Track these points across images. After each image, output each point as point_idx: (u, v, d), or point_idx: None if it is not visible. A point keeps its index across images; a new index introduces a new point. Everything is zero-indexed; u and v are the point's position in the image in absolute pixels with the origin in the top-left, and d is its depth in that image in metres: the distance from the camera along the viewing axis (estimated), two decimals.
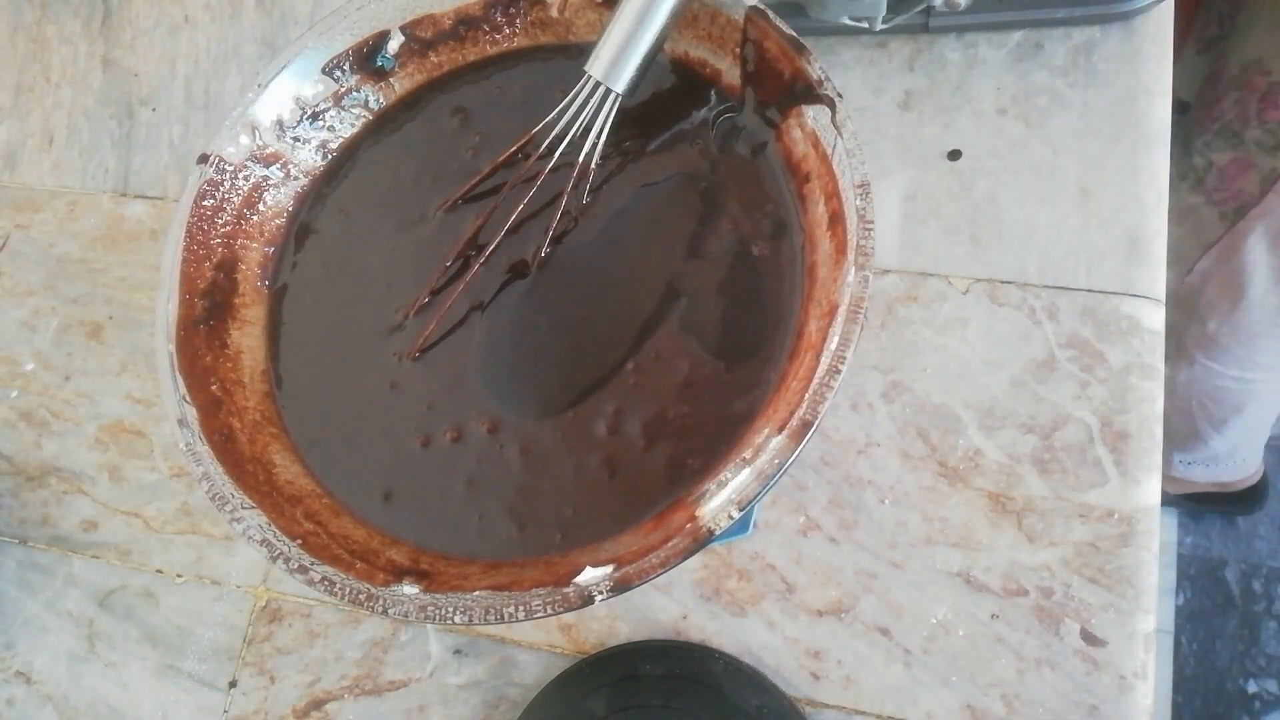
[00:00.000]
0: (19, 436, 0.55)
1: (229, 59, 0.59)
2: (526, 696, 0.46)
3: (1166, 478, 1.08)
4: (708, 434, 0.35)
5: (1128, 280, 0.47)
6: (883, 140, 0.51)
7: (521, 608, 0.32)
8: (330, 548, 0.36)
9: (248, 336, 0.41)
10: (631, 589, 0.31)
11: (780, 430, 0.31)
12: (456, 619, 0.32)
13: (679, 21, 0.37)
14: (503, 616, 0.32)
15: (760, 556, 0.46)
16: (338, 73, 0.43)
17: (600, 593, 0.31)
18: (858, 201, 0.33)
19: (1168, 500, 1.15)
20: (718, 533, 0.30)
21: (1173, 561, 1.18)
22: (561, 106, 0.38)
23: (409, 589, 0.34)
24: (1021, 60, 0.51)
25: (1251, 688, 1.12)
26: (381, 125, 0.44)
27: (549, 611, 0.32)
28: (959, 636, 0.44)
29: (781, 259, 0.37)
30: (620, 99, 0.38)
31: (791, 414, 0.31)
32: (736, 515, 0.30)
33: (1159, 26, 0.50)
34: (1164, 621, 1.16)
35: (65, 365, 0.56)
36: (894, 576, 0.45)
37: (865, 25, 0.48)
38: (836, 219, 0.34)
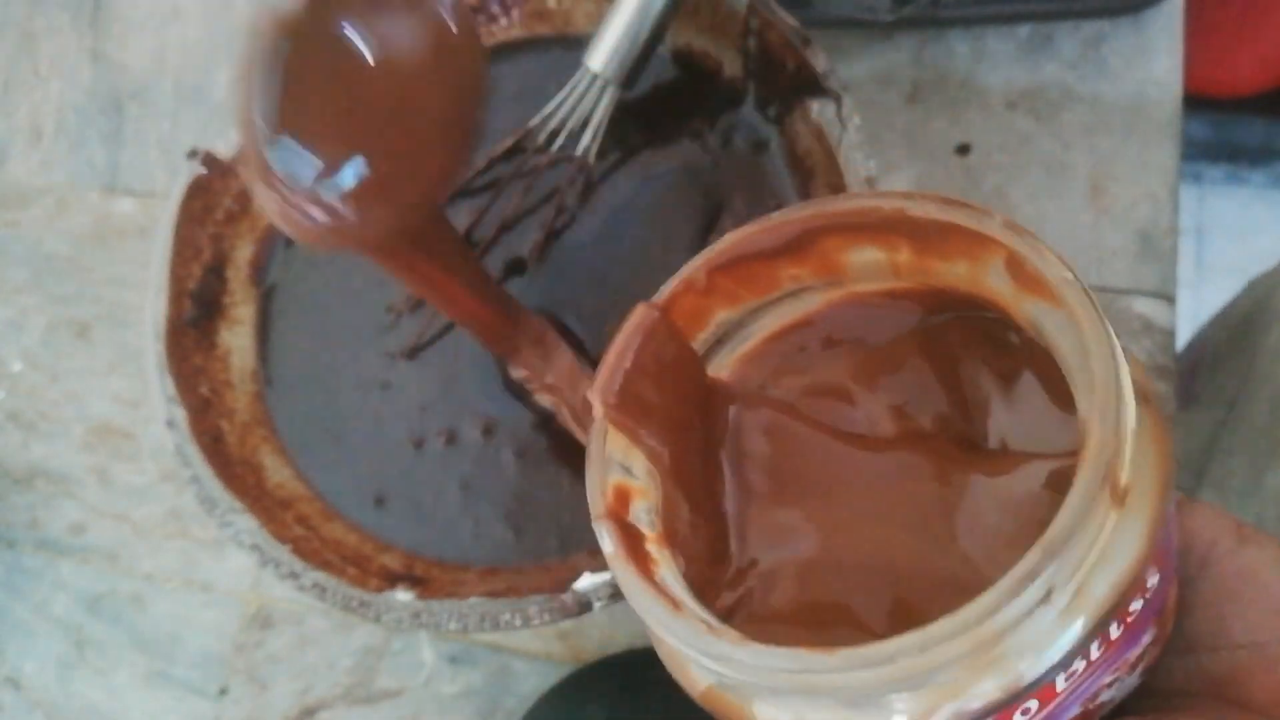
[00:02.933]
0: (6, 438, 0.54)
1: (220, 52, 0.58)
2: (523, 706, 0.45)
3: None
4: None
5: (1139, 278, 0.46)
6: (889, 134, 0.50)
7: (518, 615, 0.31)
8: (321, 553, 0.35)
9: (237, 336, 0.40)
10: None
11: None
12: (451, 626, 0.31)
13: (679, 11, 0.36)
14: (499, 624, 0.31)
15: None
16: None
17: (599, 599, 0.30)
18: None
19: None
20: None
21: None
22: (559, 99, 0.37)
23: (402, 595, 0.33)
24: (1031, 53, 0.50)
25: None
26: None
27: (546, 619, 0.31)
28: None
29: None
30: (619, 91, 0.37)
31: None
32: None
33: (1170, 19, 0.49)
34: None
35: (53, 365, 0.55)
36: None
37: (871, 16, 0.48)
38: None
